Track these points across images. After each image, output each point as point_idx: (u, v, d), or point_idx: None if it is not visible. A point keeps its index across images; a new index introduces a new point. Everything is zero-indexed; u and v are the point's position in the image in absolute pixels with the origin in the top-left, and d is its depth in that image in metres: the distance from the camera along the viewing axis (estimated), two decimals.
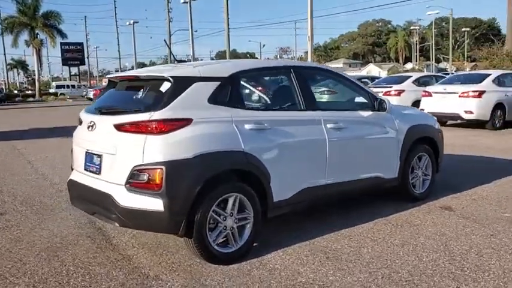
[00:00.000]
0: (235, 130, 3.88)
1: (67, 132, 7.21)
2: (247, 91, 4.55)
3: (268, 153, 4.03)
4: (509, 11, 26.64)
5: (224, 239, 3.86)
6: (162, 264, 3.91)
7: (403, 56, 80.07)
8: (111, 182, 3.78)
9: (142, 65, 72.27)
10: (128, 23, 53.70)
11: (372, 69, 70.40)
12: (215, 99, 3.89)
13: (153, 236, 4.53)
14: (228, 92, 4.00)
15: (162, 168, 3.52)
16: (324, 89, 6.46)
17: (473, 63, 69.98)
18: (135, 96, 4.08)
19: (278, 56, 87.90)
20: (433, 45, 69.17)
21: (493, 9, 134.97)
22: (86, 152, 4.12)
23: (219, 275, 3.67)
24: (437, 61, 72.09)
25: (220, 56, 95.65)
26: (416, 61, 76.02)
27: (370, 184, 5.09)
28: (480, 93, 12.23)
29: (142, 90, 4.00)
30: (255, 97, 4.65)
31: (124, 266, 3.90)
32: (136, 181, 3.61)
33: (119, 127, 3.75)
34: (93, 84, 69.15)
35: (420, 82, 15.81)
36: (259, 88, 4.68)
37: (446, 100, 12.47)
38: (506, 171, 7.06)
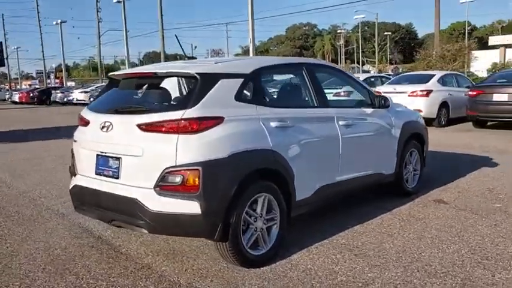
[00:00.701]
0: (263, 128, 3.76)
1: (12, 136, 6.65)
2: (268, 88, 4.43)
3: (291, 150, 3.95)
4: (436, 15, 28.42)
5: (254, 241, 3.73)
6: (188, 271, 3.70)
7: (330, 59, 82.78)
8: (136, 186, 3.51)
9: (66, 66, 68.75)
10: (55, 23, 50.80)
11: None
12: (240, 96, 3.75)
13: (163, 243, 4.29)
14: (251, 89, 3.88)
15: (198, 169, 3.32)
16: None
17: (394, 66, 74.07)
18: (156, 94, 3.82)
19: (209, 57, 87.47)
20: (361, 48, 72.30)
21: (410, 15, 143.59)
22: (98, 155, 3.80)
23: (255, 278, 3.53)
24: (362, 64, 75.23)
25: (149, 57, 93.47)
26: (342, 64, 78.92)
27: (373, 180, 5.16)
28: (428, 93, 12.90)
29: (163, 87, 3.75)
30: (274, 94, 4.54)
31: (148, 275, 3.64)
32: (168, 183, 3.38)
33: (145, 127, 3.49)
34: (12, 87, 65.01)
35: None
36: (278, 85, 4.59)
37: (397, 99, 12.93)
38: (473, 165, 7.47)
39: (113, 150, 3.68)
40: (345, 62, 78.56)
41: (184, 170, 3.34)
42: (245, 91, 3.81)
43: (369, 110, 5.03)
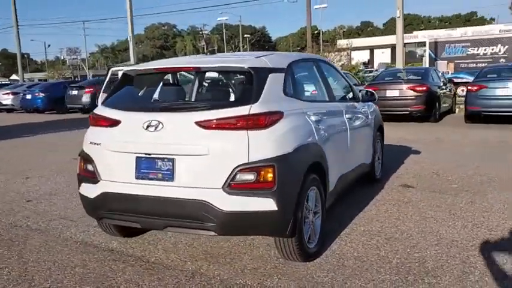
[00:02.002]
0: (309, 122, 3.80)
1: None
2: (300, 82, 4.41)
3: (327, 144, 4.03)
4: (307, 20, 30.35)
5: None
6: (246, 272, 3.56)
7: None
8: (201, 187, 3.27)
9: None
10: None
11: None
12: (285, 90, 3.73)
13: (187, 247, 4.06)
14: (291, 83, 3.88)
15: (273, 165, 3.23)
16: None
17: None
18: (207, 89, 3.59)
19: (63, 57, 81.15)
20: (225, 48, 73.60)
21: (263, 19, 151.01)
22: (140, 157, 3.45)
23: (319, 271, 3.54)
24: None
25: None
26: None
27: (361, 170, 5.48)
28: None
29: (212, 82, 3.55)
30: (303, 88, 4.55)
31: (209, 281, 3.41)
32: (239, 182, 3.22)
33: (208, 124, 3.28)
34: None
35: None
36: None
37: None
38: (406, 154, 8.29)
39: (163, 151, 3.38)
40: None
41: (258, 166, 3.22)
42: (288, 85, 3.80)
43: (357, 104, 5.33)
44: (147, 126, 3.40)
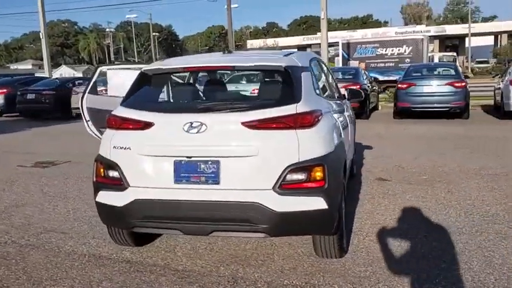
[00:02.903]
0: (335, 120, 3.85)
1: None
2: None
3: (346, 140, 4.13)
4: (228, 20, 30.35)
5: None
6: (285, 272, 3.52)
7: (97, 58, 79.29)
8: (251, 189, 3.18)
9: None
10: None
11: (66, 71, 67.21)
12: (314, 89, 3.75)
13: (208, 251, 3.93)
14: (316, 82, 3.90)
15: (323, 163, 3.22)
16: None
17: None
18: (247, 88, 3.47)
19: None
20: (135, 47, 71.14)
21: (171, 16, 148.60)
22: (180, 161, 3.26)
23: (357, 265, 3.60)
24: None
25: None
26: (111, 62, 76.54)
27: (350, 165, 5.64)
28: None
29: (248, 81, 3.45)
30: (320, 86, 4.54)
31: (253, 284, 3.34)
32: (290, 181, 3.17)
33: (257, 124, 3.19)
34: None
35: None
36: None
37: None
38: (360, 149, 8.64)
39: (207, 153, 3.23)
40: (113, 61, 76.42)
41: (309, 165, 3.19)
42: (314, 83, 3.82)
43: (345, 101, 5.49)
44: (188, 128, 3.23)
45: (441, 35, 56.66)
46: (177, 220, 3.32)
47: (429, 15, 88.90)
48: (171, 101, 3.76)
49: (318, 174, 3.21)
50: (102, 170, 3.52)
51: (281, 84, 3.55)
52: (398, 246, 3.97)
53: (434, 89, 12.70)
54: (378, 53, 28.10)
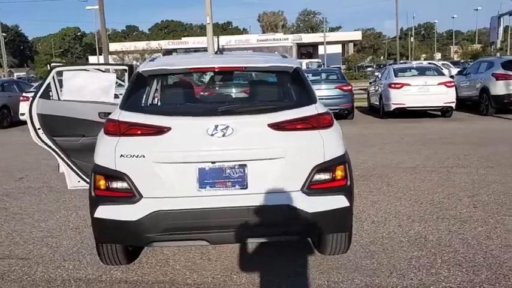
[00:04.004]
0: None
1: None
2: None
3: None
4: (101, 22, 28.51)
5: None
6: (308, 271, 3.53)
7: None
8: (279, 191, 3.11)
9: None
10: None
11: None
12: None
13: (204, 261, 3.77)
14: None
15: (344, 162, 3.29)
16: None
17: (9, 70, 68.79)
18: (264, 89, 3.37)
19: None
20: None
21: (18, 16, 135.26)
22: (203, 167, 3.07)
23: (368, 258, 3.75)
24: None
25: None
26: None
27: None
28: None
29: (257, 82, 3.38)
30: None
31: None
32: (318, 181, 3.17)
33: (282, 126, 3.14)
34: None
35: None
36: None
37: None
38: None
39: (233, 157, 3.08)
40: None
41: (334, 164, 3.23)
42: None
43: None
44: (213, 132, 3.06)
45: (298, 43, 60.60)
46: (204, 230, 3.11)
47: (284, 24, 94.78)
48: (183, 103, 3.51)
49: (341, 173, 3.27)
50: (103, 181, 3.14)
51: (294, 85, 3.53)
52: (416, 234, 4.23)
53: (324, 92, 13.53)
54: None
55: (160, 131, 3.09)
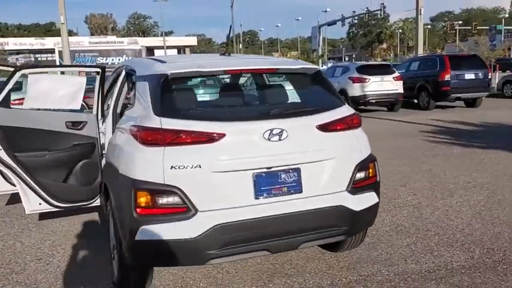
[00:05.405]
0: None
1: None
2: None
3: None
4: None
5: None
6: (323, 273, 3.58)
7: None
8: (330, 193, 3.12)
9: None
10: None
11: None
12: None
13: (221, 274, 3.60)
14: None
15: (375, 159, 3.43)
16: None
17: None
18: (296, 91, 3.30)
19: None
20: None
21: None
22: (260, 173, 2.92)
23: (375, 249, 3.95)
24: None
25: None
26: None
27: None
28: None
29: (291, 84, 3.34)
30: None
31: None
32: (358, 180, 3.25)
33: (329, 127, 3.16)
34: None
35: None
36: None
37: None
38: None
39: (287, 161, 3.00)
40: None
41: (368, 162, 3.35)
42: None
43: None
44: (270, 136, 2.94)
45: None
46: (264, 239, 2.96)
47: (114, 27, 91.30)
48: (230, 106, 3.21)
49: (372, 170, 3.40)
50: (148, 198, 2.77)
51: (320, 87, 3.54)
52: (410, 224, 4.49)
53: None
54: (98, 62, 27.57)
55: (214, 138, 2.85)
